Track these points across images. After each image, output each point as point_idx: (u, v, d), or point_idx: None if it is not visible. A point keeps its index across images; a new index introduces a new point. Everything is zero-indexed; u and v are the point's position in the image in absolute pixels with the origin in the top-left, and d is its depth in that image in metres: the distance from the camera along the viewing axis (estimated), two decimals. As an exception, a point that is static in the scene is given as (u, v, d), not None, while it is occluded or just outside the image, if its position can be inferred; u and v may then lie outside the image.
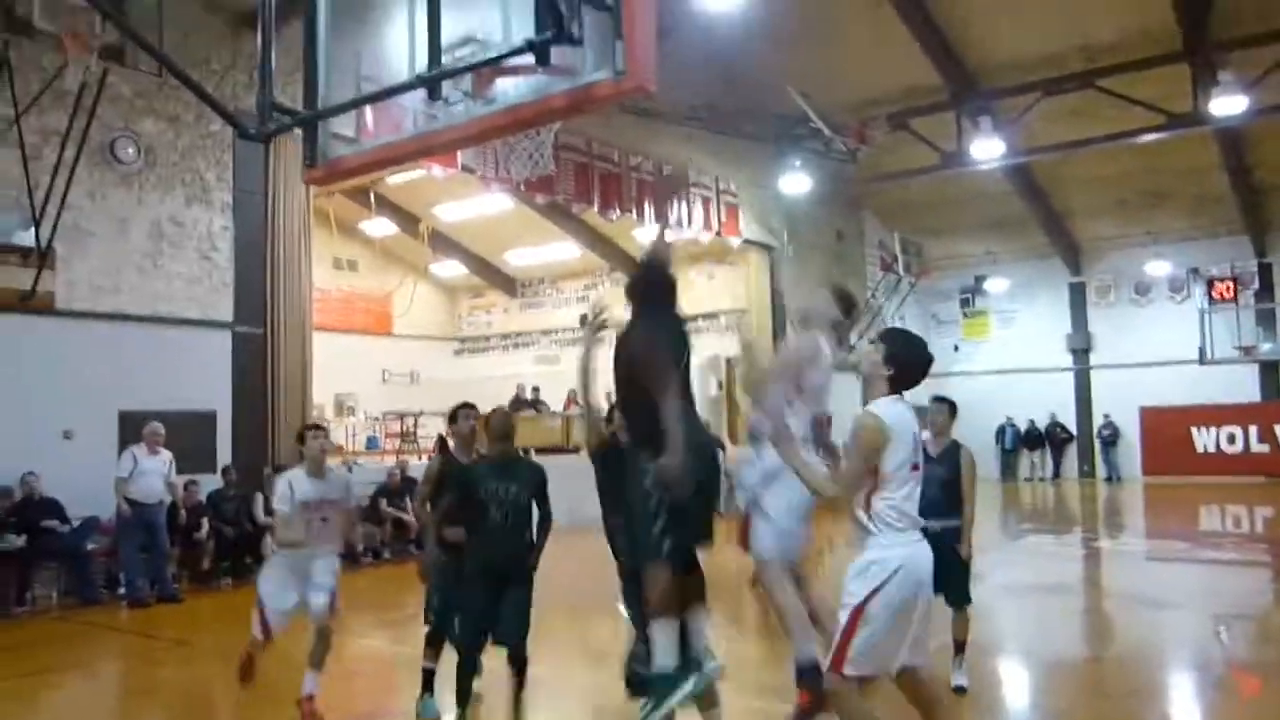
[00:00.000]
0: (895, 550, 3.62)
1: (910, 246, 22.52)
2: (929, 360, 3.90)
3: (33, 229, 10.08)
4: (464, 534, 5.23)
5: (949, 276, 25.62)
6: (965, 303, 26.28)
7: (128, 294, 11.16)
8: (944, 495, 5.79)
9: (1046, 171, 21.32)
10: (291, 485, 5.56)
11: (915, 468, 3.73)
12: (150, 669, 6.84)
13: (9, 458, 9.72)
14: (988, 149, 17.31)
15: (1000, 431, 25.14)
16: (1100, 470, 24.14)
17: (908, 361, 3.79)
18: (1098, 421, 24.24)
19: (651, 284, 4.82)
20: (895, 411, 3.72)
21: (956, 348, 26.35)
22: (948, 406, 6.19)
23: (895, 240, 21.99)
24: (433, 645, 5.59)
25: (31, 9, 8.63)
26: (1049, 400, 24.60)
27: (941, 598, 5.25)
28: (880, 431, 3.63)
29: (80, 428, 10.45)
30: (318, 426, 6.01)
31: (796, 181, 18.98)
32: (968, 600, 6.00)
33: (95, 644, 8.30)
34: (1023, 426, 24.86)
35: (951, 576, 5.64)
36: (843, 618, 3.62)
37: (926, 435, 5.90)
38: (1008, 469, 25.04)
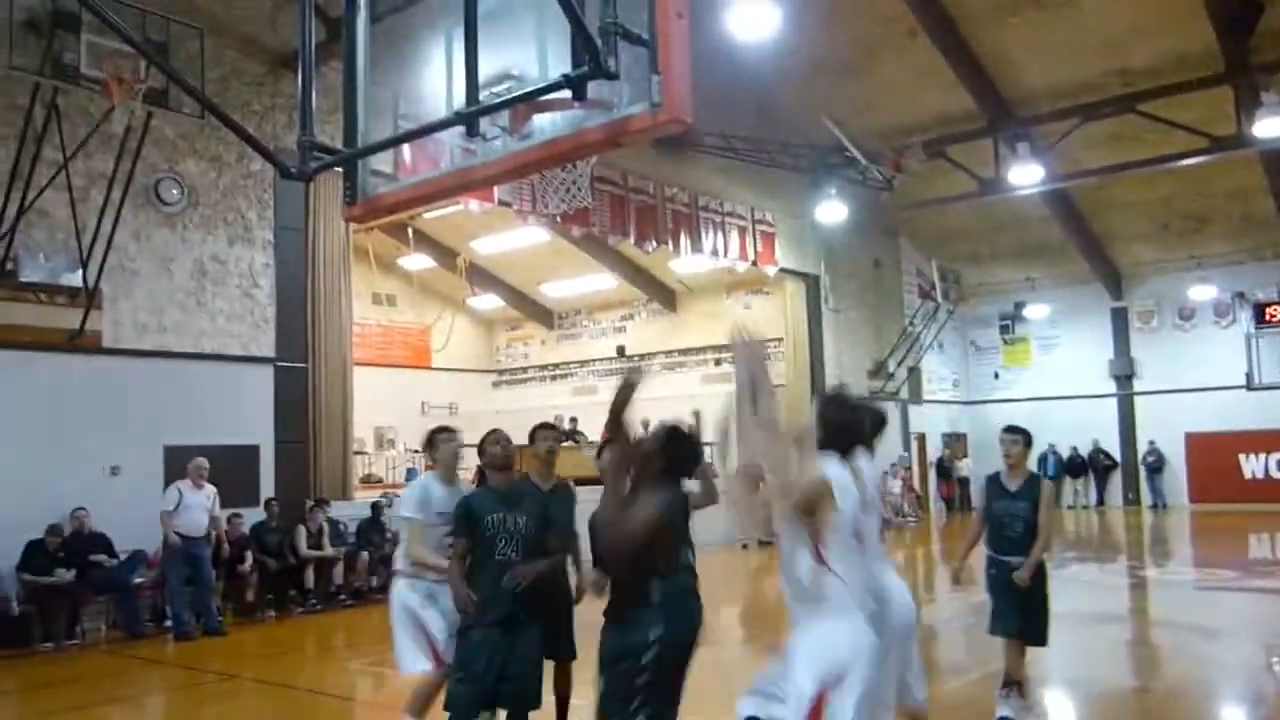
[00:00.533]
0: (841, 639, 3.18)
1: (948, 274, 22.39)
2: (860, 421, 3.67)
3: (80, 270, 10.31)
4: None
5: (988, 303, 25.40)
6: (1005, 329, 26.01)
7: (172, 332, 11.35)
8: (1027, 532, 5.53)
9: (1086, 196, 21.11)
10: (428, 490, 4.84)
11: (859, 537, 3.34)
12: (196, 705, 6.87)
13: (59, 494, 9.88)
14: (1026, 175, 17.19)
15: (1042, 459, 24.76)
16: (1145, 498, 23.66)
17: (839, 422, 3.56)
18: (1142, 448, 23.79)
19: (682, 460, 4.04)
20: (835, 469, 3.37)
21: (997, 375, 26.09)
22: (1022, 437, 5.78)
23: (933, 268, 21.87)
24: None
25: (79, 56, 8.87)
26: (1091, 427, 24.20)
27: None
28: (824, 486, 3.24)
29: (127, 463, 10.60)
30: (448, 429, 5.17)
31: (832, 210, 18.95)
32: (1043, 642, 5.70)
33: (142, 678, 8.37)
34: (1065, 453, 24.46)
35: (1030, 617, 5.48)
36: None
37: (1003, 470, 5.77)
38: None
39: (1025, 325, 25.51)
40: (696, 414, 18.94)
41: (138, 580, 10.10)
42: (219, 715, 6.02)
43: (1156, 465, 23.47)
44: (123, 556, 10.05)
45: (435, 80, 3.57)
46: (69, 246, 10.30)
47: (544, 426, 5.02)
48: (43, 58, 8.86)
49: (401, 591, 4.91)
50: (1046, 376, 25.19)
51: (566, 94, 2.79)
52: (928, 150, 17.73)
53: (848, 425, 3.59)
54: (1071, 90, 16.55)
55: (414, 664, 4.79)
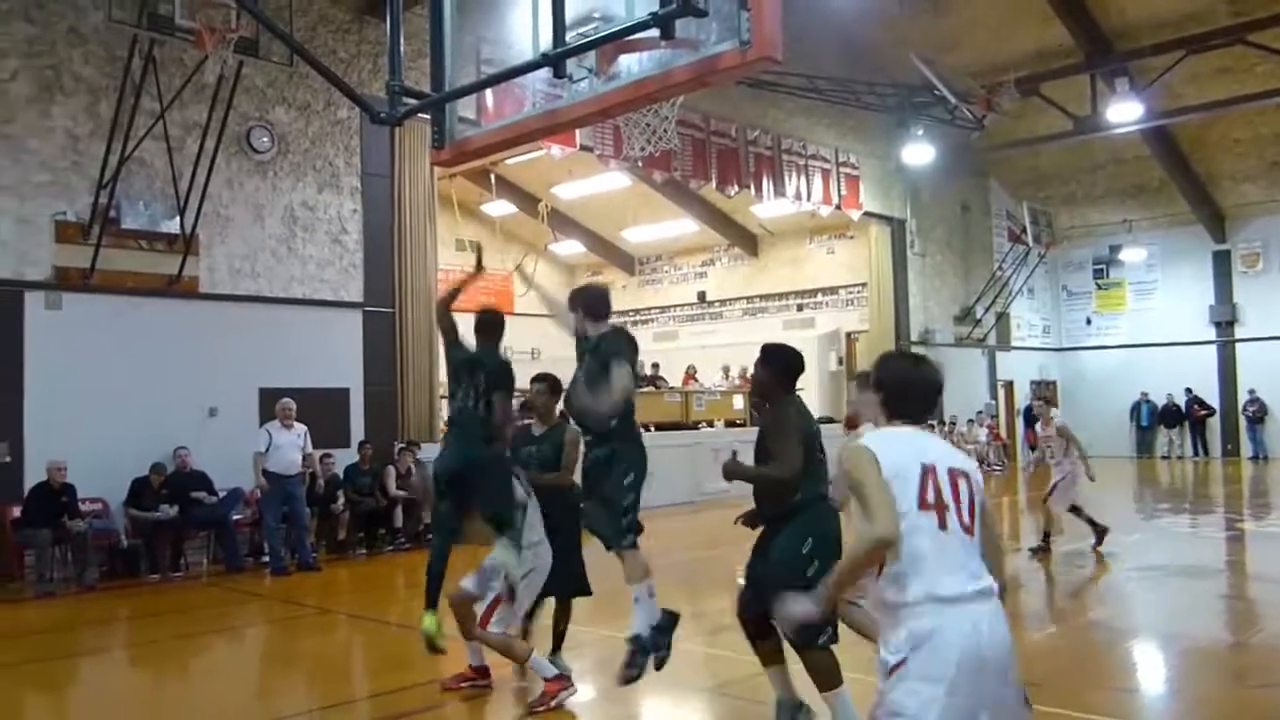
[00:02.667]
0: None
1: (1040, 216, 21.67)
2: (923, 378, 3.06)
3: (177, 217, 10.62)
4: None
5: (1081, 247, 24.55)
6: (1099, 274, 25.15)
7: (265, 277, 11.65)
8: None
9: (1189, 134, 20.15)
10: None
11: (937, 516, 2.74)
12: (294, 637, 7.16)
13: (161, 434, 10.31)
14: (1125, 112, 16.48)
15: (1135, 408, 24.06)
16: (1245, 449, 22.82)
17: (897, 381, 3.06)
18: (1242, 398, 22.90)
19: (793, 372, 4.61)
20: (891, 439, 2.89)
21: (1089, 320, 25.32)
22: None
23: (1024, 210, 21.18)
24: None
25: (173, 7, 9.07)
26: (1188, 375, 23.34)
27: None
28: (870, 460, 2.77)
29: (224, 405, 10.98)
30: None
31: (919, 152, 18.46)
32: None
33: (242, 610, 8.74)
34: (1160, 402, 23.69)
35: None
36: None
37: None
38: (1144, 446, 23.95)
39: (1120, 269, 24.63)
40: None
41: (236, 517, 10.53)
42: (316, 647, 6.27)
43: (1258, 415, 22.59)
44: (221, 494, 10.47)
45: (520, 24, 3.54)
46: (166, 195, 10.61)
47: (535, 379, 5.79)
48: (140, 10, 9.11)
49: None
50: (1142, 322, 24.35)
51: (654, 33, 2.74)
52: (1021, 88, 17.07)
53: (907, 380, 3.07)
54: (1176, 21, 15.71)
55: None
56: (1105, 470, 21.59)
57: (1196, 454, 23.46)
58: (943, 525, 2.73)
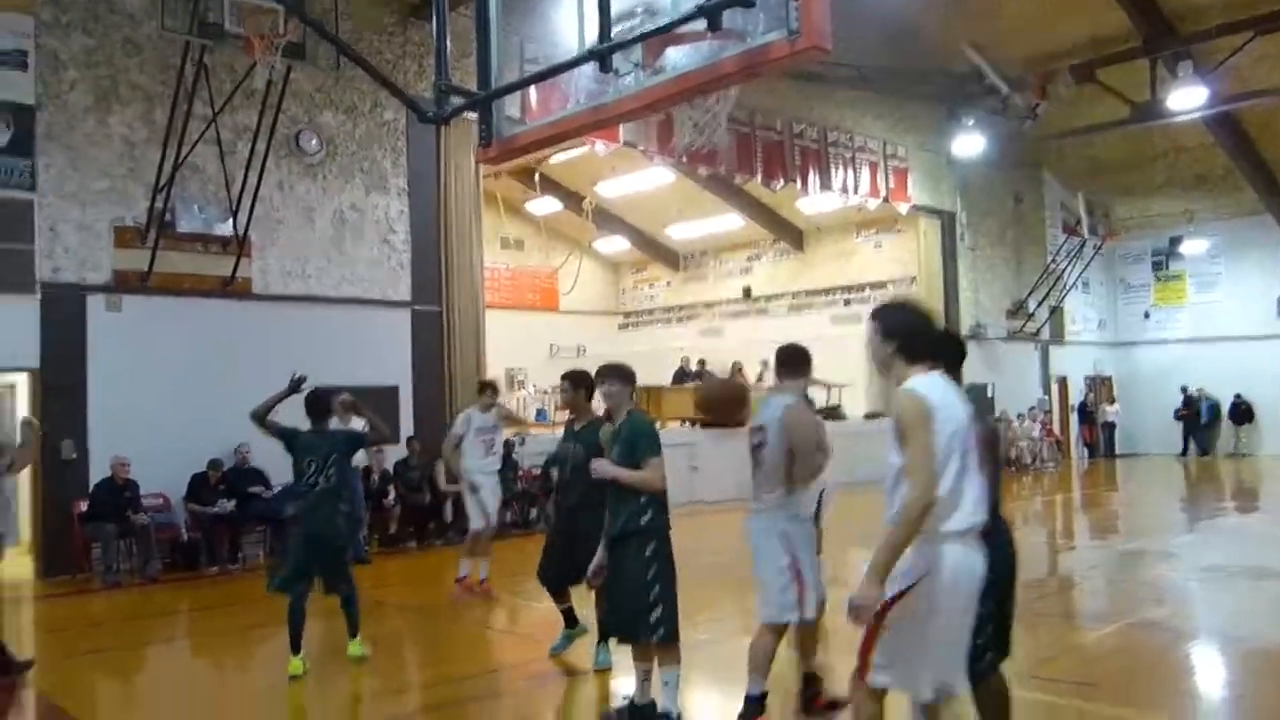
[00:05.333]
0: (923, 551, 3.10)
1: (1096, 207, 21.35)
2: (935, 326, 3.37)
3: (230, 220, 10.91)
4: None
5: (1140, 238, 24.12)
6: (1158, 266, 24.70)
7: (315, 278, 11.92)
8: None
9: (1257, 120, 19.64)
10: None
11: (966, 455, 3.15)
12: (343, 631, 7.31)
13: (219, 431, 10.53)
14: (1187, 98, 16.16)
15: (1190, 401, 23.55)
16: (1312, 446, 22.29)
17: (910, 329, 3.27)
18: (1310, 392, 22.36)
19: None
20: (936, 385, 3.16)
21: (1147, 314, 24.89)
22: None
23: (1079, 201, 20.87)
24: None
25: (223, 14, 9.36)
26: (1253, 370, 22.82)
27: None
28: (923, 406, 3.07)
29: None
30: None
31: (970, 143, 18.29)
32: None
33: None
34: (1222, 397, 23.21)
35: None
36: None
37: None
38: (1205, 442, 23.47)
39: (1180, 261, 24.16)
40: (737, 364, 18.90)
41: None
42: (369, 637, 6.44)
43: (1325, 411, 22.05)
44: (277, 489, 10.73)
45: (566, 20, 3.64)
46: (219, 198, 10.91)
47: (563, 377, 5.90)
48: (191, 18, 9.39)
49: None
50: (1203, 316, 23.86)
51: (701, 25, 2.81)
52: (1076, 75, 16.85)
53: (922, 330, 3.29)
54: (1244, 1, 15.29)
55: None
56: (1165, 469, 21.25)
57: (1258, 452, 22.96)
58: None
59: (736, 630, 7.14)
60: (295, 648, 6.14)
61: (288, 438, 6.54)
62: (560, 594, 6.17)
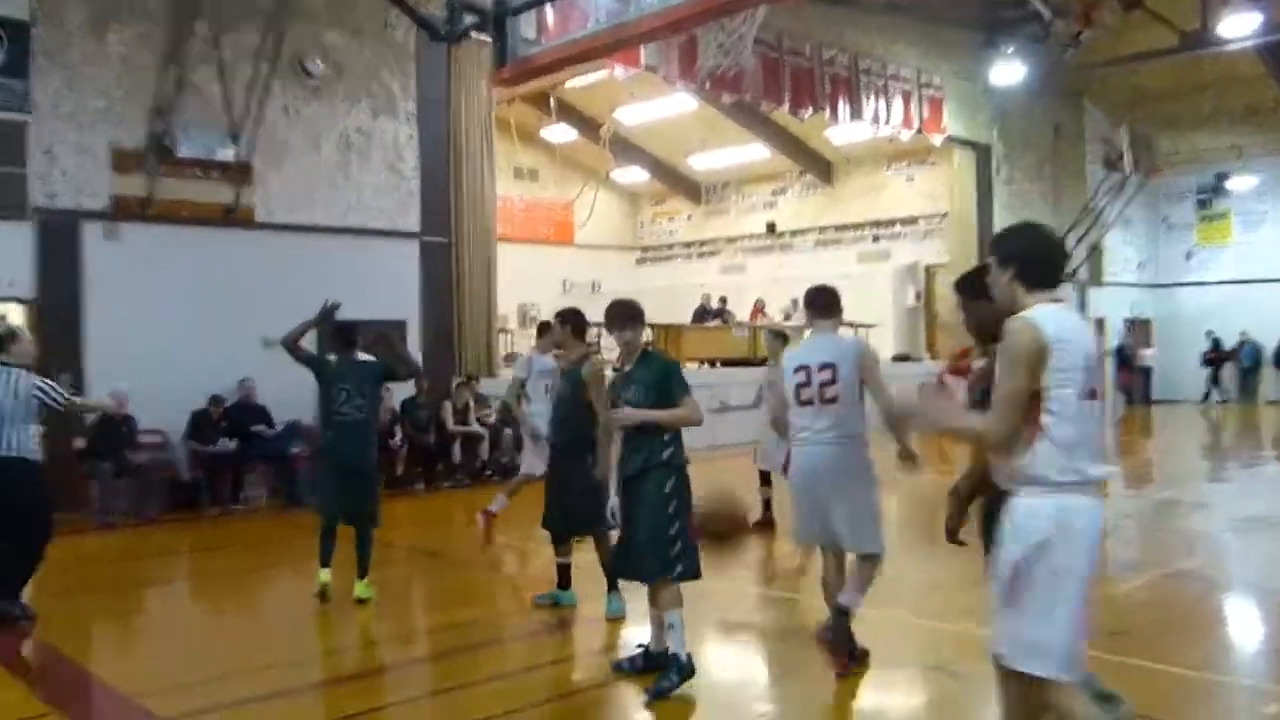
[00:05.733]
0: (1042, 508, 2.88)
1: (1139, 141, 20.87)
2: (1060, 251, 3.13)
3: (232, 145, 10.77)
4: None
5: (1184, 174, 23.61)
6: (1202, 204, 24.23)
7: (321, 206, 11.80)
8: None
9: (1312, 48, 19.08)
10: None
11: (1093, 395, 2.91)
12: (354, 570, 7.36)
13: (221, 366, 10.56)
14: (1240, 25, 15.69)
15: (1238, 347, 23.28)
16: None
17: (1030, 253, 3.03)
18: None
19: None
20: (1056, 316, 2.91)
21: (1189, 255, 24.50)
22: None
23: (1122, 134, 20.40)
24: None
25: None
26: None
27: None
28: (1032, 339, 2.84)
29: (281, 335, 11.16)
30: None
31: (1009, 71, 17.87)
32: None
33: (302, 543, 8.90)
34: (1267, 343, 22.92)
35: None
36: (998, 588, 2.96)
37: None
38: (1247, 389, 23.25)
39: (1226, 199, 23.69)
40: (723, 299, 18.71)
41: (295, 450, 10.80)
42: (376, 580, 6.46)
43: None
44: (280, 427, 10.75)
45: (584, -69, 3.48)
46: (221, 122, 10.75)
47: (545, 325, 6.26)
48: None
49: None
50: (1249, 256, 23.44)
51: (727, -63, 2.66)
52: (1122, 0, 16.35)
53: (1044, 255, 3.06)
54: (1303, -78, 14.78)
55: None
56: (1202, 416, 21.09)
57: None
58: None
59: (752, 580, 7.15)
60: (325, 562, 6.44)
61: (318, 366, 6.67)
62: (559, 544, 6.14)
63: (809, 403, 4.84)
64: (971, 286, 3.72)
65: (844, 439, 4.82)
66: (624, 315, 4.84)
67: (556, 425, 5.98)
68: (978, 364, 3.90)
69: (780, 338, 8.21)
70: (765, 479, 8.54)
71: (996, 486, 3.11)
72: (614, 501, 4.88)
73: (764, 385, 8.32)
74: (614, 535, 5.15)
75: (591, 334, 6.68)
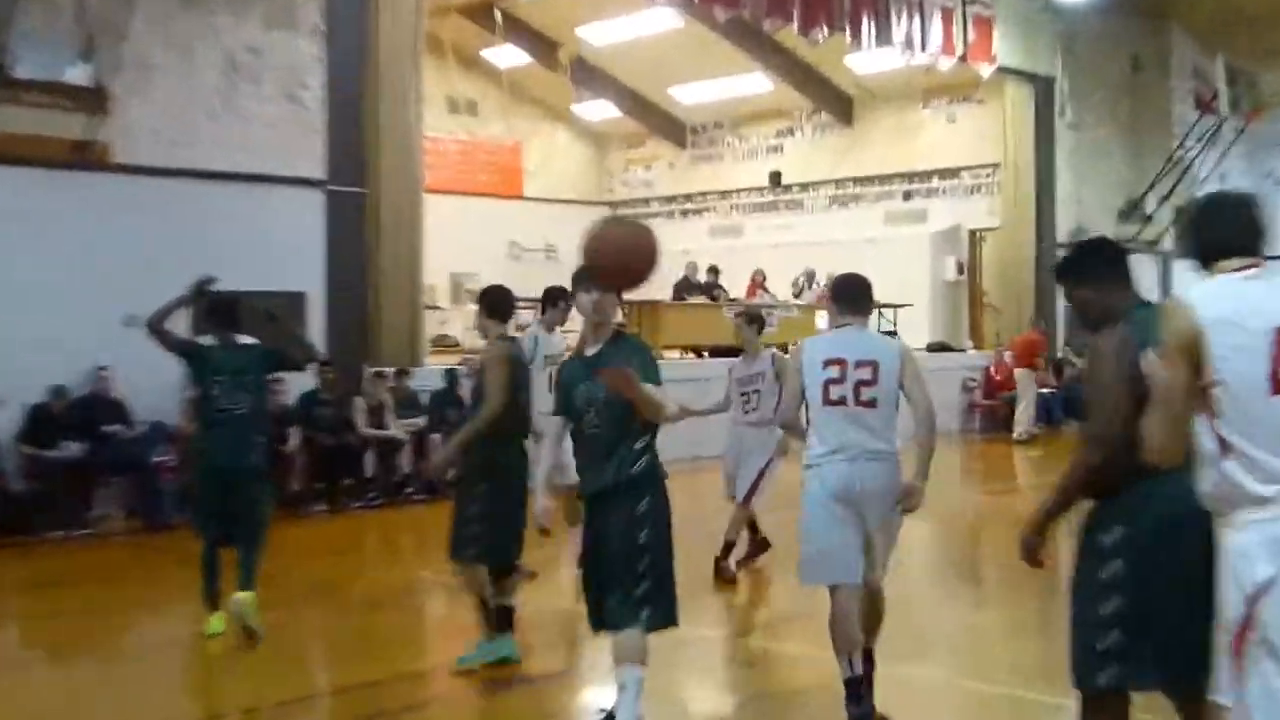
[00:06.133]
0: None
1: (1239, 76, 21.08)
2: (1253, 213, 3.24)
3: (86, 64, 10.61)
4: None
5: (1296, 118, 23.87)
6: (1319, 154, 24.51)
7: (198, 145, 11.64)
8: None
9: None
10: None
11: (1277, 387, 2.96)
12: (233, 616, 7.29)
13: (69, 349, 10.40)
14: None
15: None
16: None
17: (1209, 219, 3.23)
18: None
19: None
20: (1224, 292, 3.05)
21: (1298, 218, 24.73)
22: None
23: (1218, 68, 20.59)
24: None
25: None
26: None
27: None
28: (1180, 325, 2.98)
29: (146, 310, 11.03)
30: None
31: (1076, -16, 17.96)
32: None
33: (165, 577, 8.86)
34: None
35: None
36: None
37: None
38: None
39: (1346, 149, 23.98)
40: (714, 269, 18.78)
41: (159, 458, 10.66)
42: (263, 625, 6.40)
43: None
44: (141, 428, 10.62)
45: None
46: (71, 34, 10.60)
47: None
48: None
49: None
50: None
51: None
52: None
53: (1225, 218, 3.22)
54: None
55: None
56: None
57: None
58: None
59: (745, 627, 7.14)
60: (211, 603, 6.56)
61: (191, 353, 6.75)
62: (499, 579, 6.08)
63: (839, 403, 4.94)
64: (1075, 270, 3.73)
65: (885, 455, 4.98)
66: (597, 274, 4.59)
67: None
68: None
69: (755, 322, 8.17)
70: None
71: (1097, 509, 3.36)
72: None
73: (730, 384, 8.28)
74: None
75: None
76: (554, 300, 7.99)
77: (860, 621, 4.94)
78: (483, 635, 6.04)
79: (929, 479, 4.98)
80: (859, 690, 4.82)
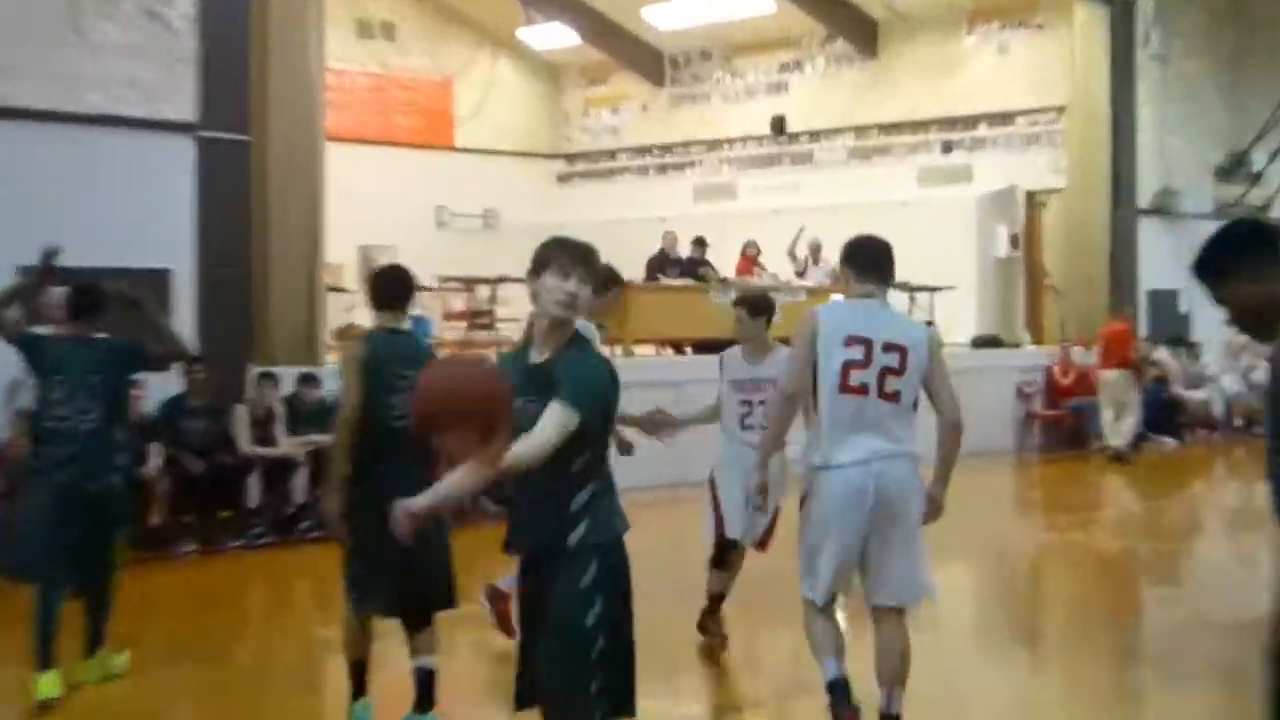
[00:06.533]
0: None
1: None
2: None
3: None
4: None
5: None
6: None
7: (30, 78, 11.58)
8: None
9: None
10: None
11: None
12: (70, 691, 7.16)
13: None
14: None
15: None
16: None
17: None
18: None
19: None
20: None
21: None
22: None
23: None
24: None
25: None
26: None
27: None
28: None
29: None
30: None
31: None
32: None
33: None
34: None
35: None
36: None
37: None
38: None
39: None
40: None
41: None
42: (115, 699, 6.31)
43: None
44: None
45: None
46: None
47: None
48: None
49: None
50: None
51: None
52: None
53: None
54: None
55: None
56: None
57: None
58: None
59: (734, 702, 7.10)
60: (44, 660, 6.49)
61: (30, 346, 6.77)
62: (416, 632, 6.14)
63: (859, 391, 5.16)
64: (1229, 263, 3.57)
65: (906, 456, 5.25)
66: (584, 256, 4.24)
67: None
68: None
69: (763, 312, 7.76)
70: (721, 557, 8.05)
71: None
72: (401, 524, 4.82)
73: (723, 386, 7.92)
74: None
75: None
76: (607, 284, 7.60)
77: (876, 666, 5.22)
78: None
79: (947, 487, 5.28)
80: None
